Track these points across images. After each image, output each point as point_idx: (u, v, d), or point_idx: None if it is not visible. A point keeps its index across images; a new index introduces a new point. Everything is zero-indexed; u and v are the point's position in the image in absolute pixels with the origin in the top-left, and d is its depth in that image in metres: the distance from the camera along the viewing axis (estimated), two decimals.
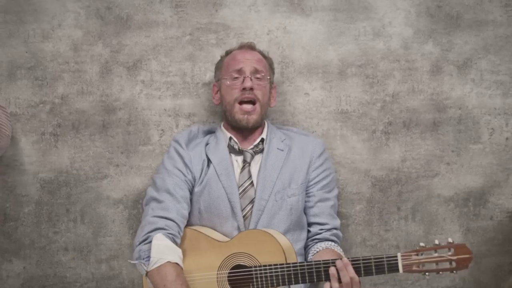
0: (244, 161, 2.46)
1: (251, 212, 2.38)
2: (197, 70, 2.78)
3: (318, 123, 2.77)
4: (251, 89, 2.42)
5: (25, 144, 2.79)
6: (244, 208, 2.38)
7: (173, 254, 2.25)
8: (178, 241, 2.32)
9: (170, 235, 2.29)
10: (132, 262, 2.39)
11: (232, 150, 2.49)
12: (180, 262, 2.26)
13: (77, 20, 2.77)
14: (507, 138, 2.78)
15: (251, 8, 2.78)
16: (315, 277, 2.14)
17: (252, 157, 2.47)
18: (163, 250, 2.25)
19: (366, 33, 2.80)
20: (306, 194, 2.48)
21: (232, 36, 2.74)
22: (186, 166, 2.45)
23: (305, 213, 2.50)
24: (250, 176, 2.43)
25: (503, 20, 2.76)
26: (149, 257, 2.26)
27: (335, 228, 2.49)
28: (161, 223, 2.30)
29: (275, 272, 2.19)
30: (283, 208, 2.39)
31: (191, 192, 2.47)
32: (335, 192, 2.55)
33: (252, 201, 2.40)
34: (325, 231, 2.47)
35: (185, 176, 2.45)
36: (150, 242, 2.26)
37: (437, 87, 2.78)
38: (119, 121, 2.76)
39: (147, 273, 2.26)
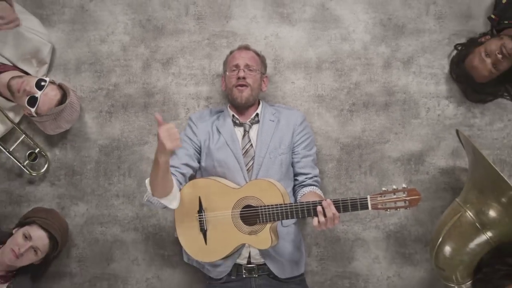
0: (244, 130, 2.81)
1: (252, 166, 2.73)
2: (213, 65, 3.11)
3: (301, 104, 3.10)
4: (244, 78, 2.77)
5: (88, 119, 3.12)
6: (247, 164, 2.74)
7: None
8: (173, 177, 2.58)
9: None
10: (145, 200, 2.67)
11: (235, 123, 2.83)
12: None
13: (126, 29, 3.12)
14: (438, 115, 3.08)
15: (252, 20, 3.12)
16: (306, 213, 2.47)
17: (250, 127, 2.82)
18: None
19: (336, 38, 3.11)
20: (293, 152, 2.81)
21: (238, 41, 3.07)
22: (194, 134, 2.81)
23: (292, 167, 2.83)
24: (249, 141, 2.79)
25: (436, 28, 3.08)
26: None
27: (316, 176, 2.85)
28: None
29: (276, 210, 2.51)
30: (276, 163, 2.74)
31: (199, 151, 2.81)
32: (314, 149, 2.89)
33: (252, 158, 2.74)
34: (309, 179, 2.82)
35: (191, 140, 2.80)
36: None
37: (387, 78, 3.11)
38: (156, 103, 3.11)
39: (149, 197, 2.57)
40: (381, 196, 2.43)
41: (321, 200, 2.46)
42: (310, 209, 2.46)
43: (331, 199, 2.44)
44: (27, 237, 2.76)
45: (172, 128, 2.33)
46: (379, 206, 2.43)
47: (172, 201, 2.58)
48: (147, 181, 2.55)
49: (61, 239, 2.88)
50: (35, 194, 3.12)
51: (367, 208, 2.43)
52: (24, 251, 2.73)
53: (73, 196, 3.13)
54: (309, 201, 2.49)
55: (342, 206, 2.44)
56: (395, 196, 2.42)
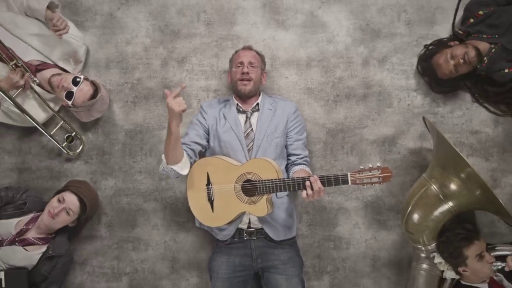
0: (246, 117, 2.80)
1: (252, 147, 2.73)
2: (220, 63, 3.11)
3: (294, 95, 3.10)
4: (247, 73, 2.77)
5: (115, 108, 3.12)
6: (248, 145, 2.74)
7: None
8: (184, 152, 2.59)
9: None
10: (160, 169, 2.66)
11: (239, 111, 2.82)
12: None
13: (147, 32, 3.12)
14: (408, 104, 3.07)
15: (253, 25, 3.11)
16: (296, 187, 2.49)
17: (251, 114, 2.81)
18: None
19: (323, 40, 3.10)
20: (286, 136, 2.81)
21: (241, 43, 3.06)
22: (204, 119, 2.80)
23: (286, 148, 2.83)
24: (250, 126, 2.78)
25: (406, 32, 3.08)
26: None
27: (306, 157, 2.85)
28: None
29: (272, 184, 2.53)
30: (272, 145, 2.74)
31: (208, 133, 2.79)
32: (305, 134, 2.89)
33: (252, 140, 2.73)
34: (299, 159, 2.83)
35: (201, 124, 2.79)
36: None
37: (366, 74, 3.10)
38: None
39: (168, 163, 2.56)
40: (359, 173, 2.44)
41: (309, 176, 2.48)
42: (300, 184, 2.48)
43: (317, 175, 2.46)
44: (60, 201, 2.79)
45: (178, 96, 2.38)
46: (358, 182, 2.45)
47: (184, 169, 2.59)
48: (163, 155, 2.56)
49: (89, 203, 2.89)
50: (71, 170, 3.13)
51: (348, 183, 2.44)
52: (58, 212, 2.76)
53: (103, 172, 3.13)
54: (299, 177, 2.50)
55: (327, 181, 2.46)
56: (371, 173, 2.43)
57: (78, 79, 2.83)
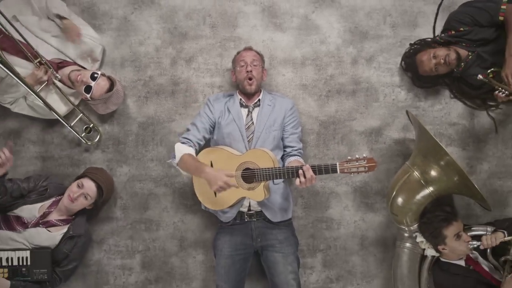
0: (248, 111, 2.79)
1: (252, 138, 2.72)
2: (224, 62, 3.09)
3: (290, 91, 3.08)
4: (251, 71, 2.75)
5: (129, 102, 3.10)
6: (248, 136, 2.73)
7: (187, 151, 2.62)
8: (192, 148, 2.65)
9: (187, 143, 2.66)
10: (167, 161, 2.79)
11: (241, 105, 2.80)
12: (192, 153, 2.62)
13: (158, 34, 3.10)
14: (393, 99, 3.07)
15: (253, 28, 3.10)
16: (290, 175, 2.48)
17: (253, 108, 2.79)
18: (181, 150, 2.63)
19: (316, 41, 3.10)
20: (283, 130, 2.79)
21: (243, 44, 3.05)
22: (210, 111, 2.78)
23: (282, 141, 2.81)
24: (251, 119, 2.77)
25: (391, 34, 3.07)
26: (175, 156, 2.65)
27: (300, 149, 2.84)
28: (183, 140, 2.68)
29: (268, 172, 2.52)
30: (270, 137, 2.73)
31: (214, 125, 2.77)
32: (300, 128, 2.87)
33: (252, 133, 2.73)
34: (294, 151, 2.81)
35: (207, 116, 2.77)
36: None
37: (355, 71, 3.09)
38: (180, 90, 3.08)
39: (177, 164, 2.63)
40: (347, 163, 2.43)
41: (302, 165, 2.47)
42: (294, 172, 2.47)
43: (309, 165, 2.46)
44: (80, 186, 2.79)
45: (224, 190, 2.50)
46: (345, 171, 2.44)
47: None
48: (178, 155, 2.61)
49: (106, 189, 2.89)
50: (89, 158, 3.11)
51: (336, 172, 2.44)
52: (77, 196, 2.76)
53: (119, 160, 3.12)
54: (293, 166, 2.50)
55: (318, 170, 2.46)
56: (357, 163, 2.42)
57: (95, 75, 2.84)
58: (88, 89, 2.82)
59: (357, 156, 2.43)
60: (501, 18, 2.74)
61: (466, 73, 2.87)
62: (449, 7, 3.04)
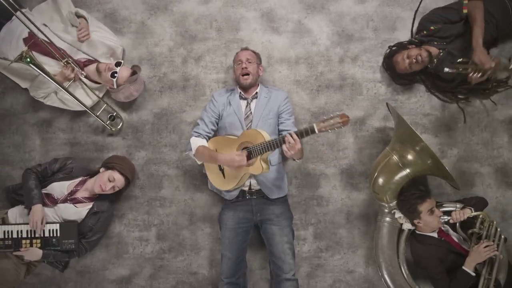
0: (247, 103, 2.78)
1: (250, 127, 2.70)
2: (228, 61, 3.07)
3: (285, 86, 3.06)
4: (246, 68, 2.74)
5: (146, 96, 3.08)
6: (247, 125, 2.72)
7: (201, 143, 2.66)
8: (204, 139, 2.68)
9: (200, 136, 2.69)
10: (185, 153, 2.83)
11: (241, 98, 2.79)
12: (205, 144, 2.65)
13: (171, 36, 3.09)
14: (375, 93, 3.04)
15: (253, 31, 3.08)
16: (279, 144, 2.38)
17: (251, 100, 2.78)
18: (196, 142, 2.67)
19: (308, 43, 3.08)
20: (279, 118, 2.76)
21: (244, 45, 3.02)
22: (214, 106, 2.78)
23: (278, 126, 2.75)
24: (250, 110, 2.76)
25: (373, 37, 3.05)
26: (191, 148, 2.68)
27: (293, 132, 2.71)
28: (195, 134, 2.71)
29: (261, 146, 2.45)
30: (266, 124, 2.70)
31: (219, 117, 2.76)
32: (293, 117, 2.82)
33: (250, 122, 2.72)
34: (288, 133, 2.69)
35: (213, 111, 2.76)
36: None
37: (342, 69, 3.07)
38: (190, 85, 3.07)
39: (194, 155, 2.67)
40: (322, 123, 2.27)
41: (286, 134, 2.37)
42: (281, 141, 2.37)
43: (292, 131, 2.37)
44: (110, 180, 2.78)
45: (245, 168, 2.50)
46: (323, 129, 2.28)
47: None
48: (194, 147, 2.64)
49: (131, 179, 2.91)
50: (112, 144, 3.10)
51: (315, 132, 2.29)
52: (108, 189, 2.77)
53: (137, 146, 3.10)
54: (280, 137, 2.40)
55: (299, 133, 2.34)
56: (332, 121, 2.25)
57: (120, 62, 2.86)
58: (113, 74, 2.81)
59: (331, 114, 2.26)
60: (464, 11, 2.72)
61: (438, 68, 2.83)
62: (423, 13, 3.01)
